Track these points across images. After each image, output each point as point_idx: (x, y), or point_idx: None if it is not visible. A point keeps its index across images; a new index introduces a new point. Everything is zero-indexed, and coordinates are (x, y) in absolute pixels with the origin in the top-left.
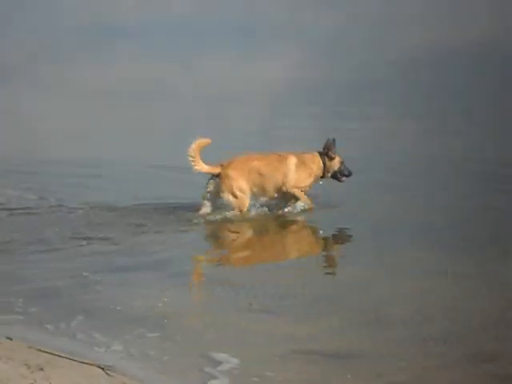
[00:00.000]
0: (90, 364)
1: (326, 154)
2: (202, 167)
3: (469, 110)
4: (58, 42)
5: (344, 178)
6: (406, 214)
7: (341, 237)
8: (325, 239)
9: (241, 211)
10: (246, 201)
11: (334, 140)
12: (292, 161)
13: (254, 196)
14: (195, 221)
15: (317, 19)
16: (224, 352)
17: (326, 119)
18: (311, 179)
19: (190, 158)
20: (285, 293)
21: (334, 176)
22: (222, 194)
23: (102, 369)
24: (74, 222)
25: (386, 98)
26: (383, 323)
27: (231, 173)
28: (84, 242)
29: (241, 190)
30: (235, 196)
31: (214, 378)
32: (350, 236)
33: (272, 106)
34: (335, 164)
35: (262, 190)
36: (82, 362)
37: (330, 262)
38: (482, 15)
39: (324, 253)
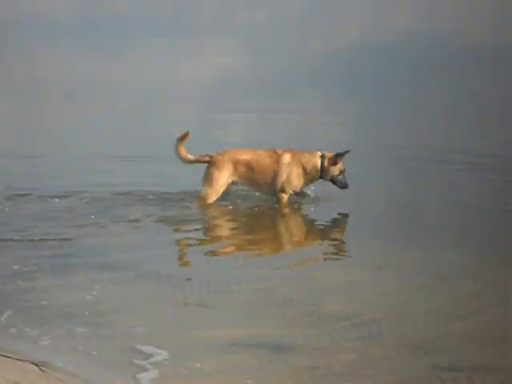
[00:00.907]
0: (23, 360)
1: (332, 157)
2: (189, 157)
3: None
4: None
5: (340, 185)
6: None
7: (295, 232)
8: (279, 234)
9: (203, 201)
10: (215, 194)
11: (348, 151)
12: (285, 159)
13: (249, 189)
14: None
15: (250, 15)
16: (154, 345)
17: (260, 113)
18: (302, 180)
19: (177, 152)
20: (223, 287)
21: (333, 181)
22: (202, 180)
23: (36, 365)
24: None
25: (319, 93)
26: (321, 316)
27: (218, 162)
28: (17, 236)
29: (217, 181)
30: (209, 184)
31: (145, 370)
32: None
33: (207, 101)
34: (335, 170)
35: (252, 185)
36: (15, 359)
37: (273, 256)
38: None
39: (271, 247)
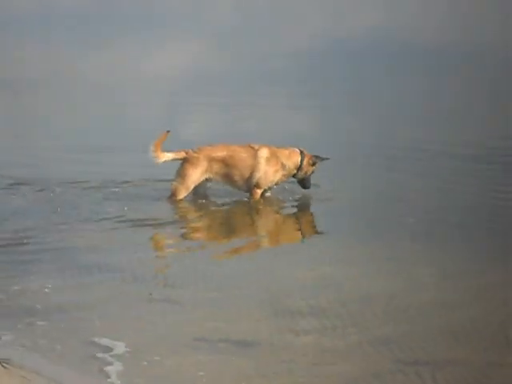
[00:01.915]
0: None
1: (311, 157)
2: (165, 156)
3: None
4: None
5: (304, 186)
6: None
7: (266, 224)
8: (251, 226)
9: (174, 196)
10: (185, 190)
11: (327, 158)
12: (263, 153)
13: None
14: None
15: (216, 10)
16: (116, 340)
17: (226, 108)
18: (279, 175)
19: (152, 153)
20: (188, 282)
21: (302, 179)
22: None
23: None
24: None
25: (284, 88)
26: (285, 311)
27: (192, 159)
28: None
29: (190, 178)
30: (181, 180)
31: (109, 363)
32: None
33: (171, 96)
34: (310, 170)
35: (228, 181)
36: None
37: (241, 249)
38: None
39: (240, 240)
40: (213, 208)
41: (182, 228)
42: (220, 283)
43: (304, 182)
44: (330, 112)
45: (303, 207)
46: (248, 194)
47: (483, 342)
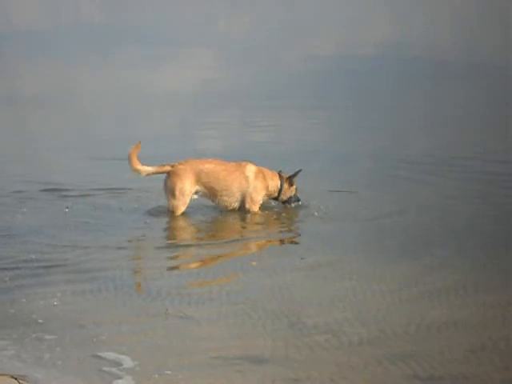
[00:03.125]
0: (2, 375)
1: (288, 178)
2: (146, 170)
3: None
4: None
5: (293, 204)
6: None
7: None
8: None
9: (173, 213)
10: (183, 205)
11: (299, 170)
12: (251, 169)
13: (207, 199)
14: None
15: (227, 24)
16: (126, 354)
17: (240, 119)
18: (264, 194)
19: (131, 167)
20: (203, 298)
21: (287, 201)
22: (164, 191)
23: (16, 379)
24: None
25: (294, 103)
26: (301, 328)
27: (179, 171)
28: None
29: (181, 191)
30: (174, 196)
31: (119, 377)
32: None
33: (184, 110)
34: (292, 191)
35: (214, 195)
36: None
37: (253, 266)
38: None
39: (251, 257)
40: (221, 224)
41: (196, 244)
42: (236, 299)
43: (289, 202)
44: (341, 125)
45: (321, 223)
46: (224, 210)
47: (502, 360)
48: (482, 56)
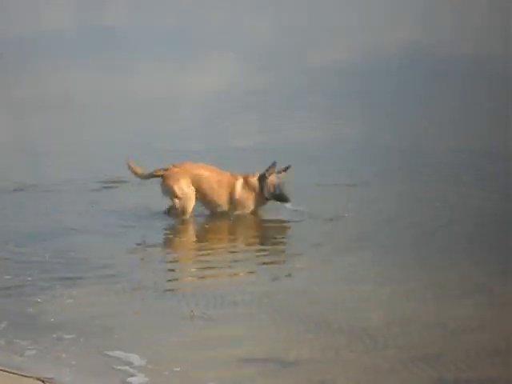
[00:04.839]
0: (29, 377)
1: (262, 175)
2: (145, 174)
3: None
4: None
5: (288, 206)
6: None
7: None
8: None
9: (183, 214)
10: (190, 202)
11: (273, 163)
12: (240, 182)
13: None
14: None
15: (252, 29)
16: (147, 357)
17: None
18: (251, 202)
19: (133, 171)
20: (227, 300)
21: (276, 198)
22: (165, 195)
23: (43, 381)
24: None
25: (322, 104)
26: (326, 330)
27: (174, 173)
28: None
29: (181, 189)
30: (177, 196)
31: (132, 375)
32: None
33: (212, 113)
34: (267, 184)
35: (203, 200)
36: (21, 375)
37: (275, 269)
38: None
39: (271, 259)
40: (242, 226)
41: (219, 245)
42: (259, 302)
43: (280, 198)
44: (370, 124)
45: (342, 221)
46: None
47: None
48: None
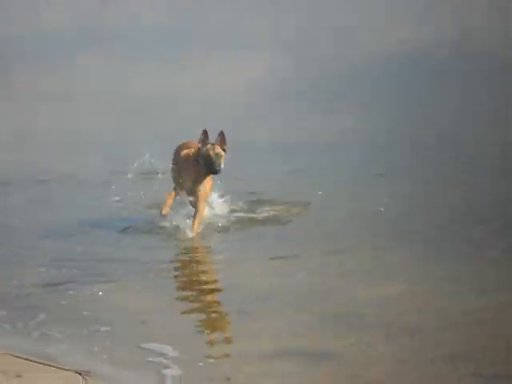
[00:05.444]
0: (67, 370)
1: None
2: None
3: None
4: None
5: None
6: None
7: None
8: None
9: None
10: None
11: (203, 131)
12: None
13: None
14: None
15: (277, 28)
16: (170, 345)
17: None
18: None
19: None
20: (263, 294)
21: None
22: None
23: (80, 374)
24: None
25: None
26: (361, 325)
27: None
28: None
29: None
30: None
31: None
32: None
33: (250, 106)
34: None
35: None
36: (59, 368)
37: (308, 261)
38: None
39: (304, 252)
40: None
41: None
42: (295, 296)
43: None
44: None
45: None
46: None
47: None
48: None
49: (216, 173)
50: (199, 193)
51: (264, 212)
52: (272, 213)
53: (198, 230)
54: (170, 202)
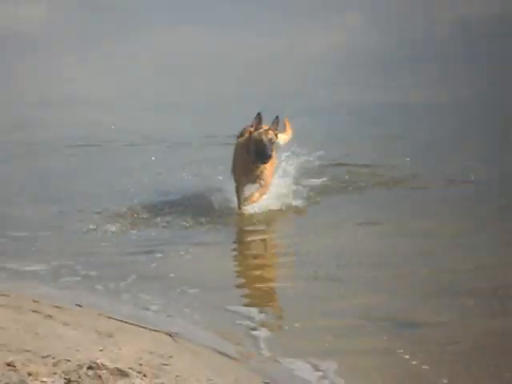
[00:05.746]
0: (157, 331)
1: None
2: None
3: None
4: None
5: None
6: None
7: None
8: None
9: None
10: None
11: (257, 115)
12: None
13: None
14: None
15: None
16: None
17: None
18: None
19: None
20: (352, 262)
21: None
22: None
23: (170, 335)
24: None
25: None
26: (452, 292)
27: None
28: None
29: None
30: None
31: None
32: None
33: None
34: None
35: None
36: (150, 329)
37: (393, 230)
38: None
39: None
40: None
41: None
42: (385, 264)
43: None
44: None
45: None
46: None
47: None
48: None
49: (265, 160)
50: (260, 182)
51: (350, 178)
52: (360, 177)
53: (256, 202)
54: (241, 197)
